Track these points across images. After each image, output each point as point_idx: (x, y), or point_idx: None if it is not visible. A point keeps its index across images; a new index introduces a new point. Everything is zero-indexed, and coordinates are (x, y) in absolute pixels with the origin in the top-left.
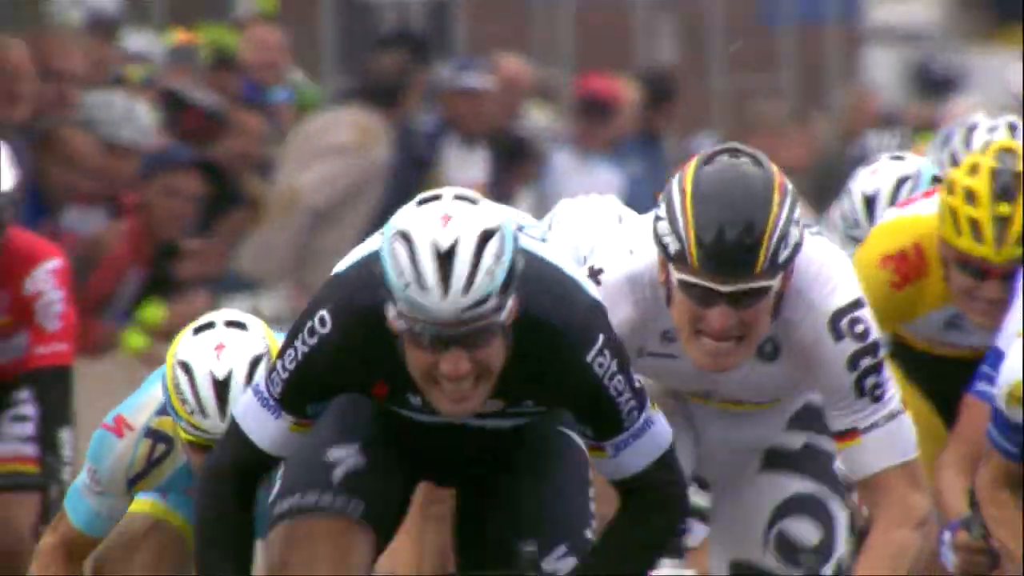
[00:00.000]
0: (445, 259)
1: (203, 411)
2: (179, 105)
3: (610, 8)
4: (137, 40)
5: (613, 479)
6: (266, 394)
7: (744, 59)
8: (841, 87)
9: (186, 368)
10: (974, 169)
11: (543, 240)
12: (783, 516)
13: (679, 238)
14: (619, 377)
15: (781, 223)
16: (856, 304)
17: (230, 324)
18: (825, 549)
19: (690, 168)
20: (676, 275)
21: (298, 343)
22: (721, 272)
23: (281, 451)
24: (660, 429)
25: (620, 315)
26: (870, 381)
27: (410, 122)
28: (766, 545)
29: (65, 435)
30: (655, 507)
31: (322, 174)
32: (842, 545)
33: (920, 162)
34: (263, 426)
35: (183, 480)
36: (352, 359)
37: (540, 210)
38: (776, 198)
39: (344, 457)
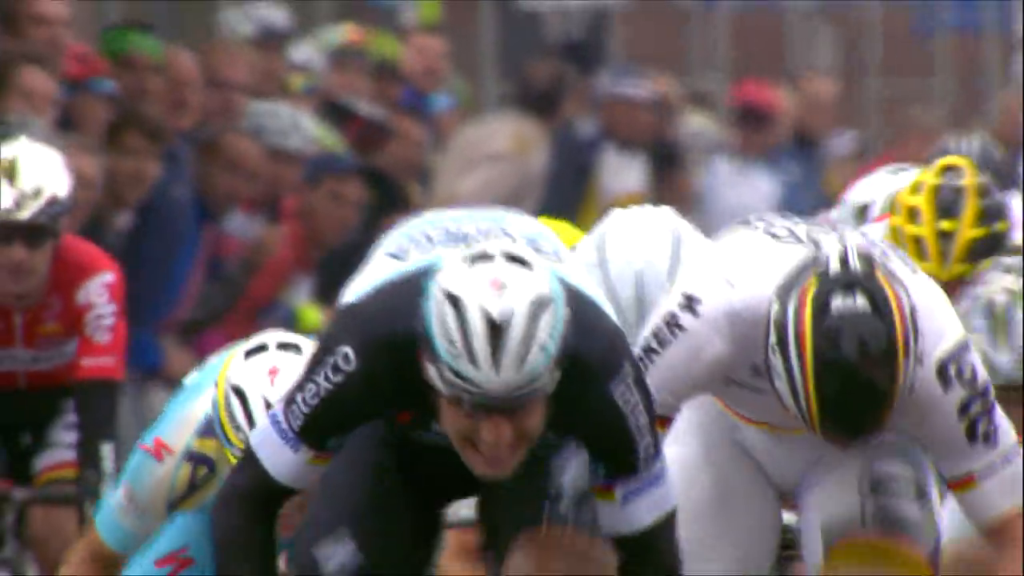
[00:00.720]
0: (498, 332)
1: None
2: (342, 115)
3: (766, 15)
4: (302, 50)
5: (617, 534)
6: (285, 426)
7: (899, 65)
8: (996, 95)
9: (239, 393)
10: (917, 188)
11: (557, 256)
12: (875, 460)
13: (799, 408)
14: (641, 411)
15: (905, 380)
16: (961, 347)
17: (283, 347)
18: (920, 487)
19: (806, 324)
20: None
21: (320, 379)
22: (842, 436)
23: (297, 483)
24: (671, 485)
25: (712, 350)
26: (982, 426)
27: (569, 129)
28: (863, 492)
29: (107, 449)
30: None
31: (481, 180)
32: (935, 494)
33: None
34: (280, 458)
35: None
36: (379, 393)
37: (698, 219)
38: (900, 356)
39: (332, 554)
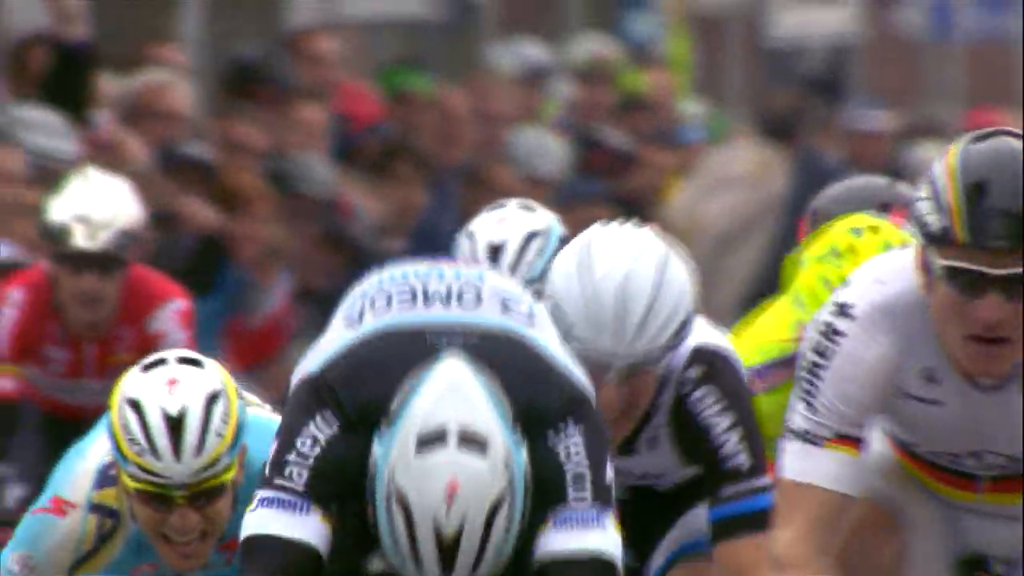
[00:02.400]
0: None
1: (155, 451)
2: (590, 144)
3: (1000, 44)
4: (555, 84)
5: (542, 562)
6: (281, 493)
7: None
8: None
9: (135, 405)
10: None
11: (530, 316)
12: None
13: (942, 208)
14: (584, 462)
15: None
16: None
17: (183, 360)
18: None
19: (956, 145)
20: (939, 262)
21: (313, 430)
22: (991, 243)
23: (316, 540)
24: (611, 539)
25: (877, 348)
26: None
27: (812, 157)
28: None
29: None
30: None
31: (723, 203)
32: None
33: None
34: (290, 521)
35: (130, 558)
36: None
37: None
38: None
39: None
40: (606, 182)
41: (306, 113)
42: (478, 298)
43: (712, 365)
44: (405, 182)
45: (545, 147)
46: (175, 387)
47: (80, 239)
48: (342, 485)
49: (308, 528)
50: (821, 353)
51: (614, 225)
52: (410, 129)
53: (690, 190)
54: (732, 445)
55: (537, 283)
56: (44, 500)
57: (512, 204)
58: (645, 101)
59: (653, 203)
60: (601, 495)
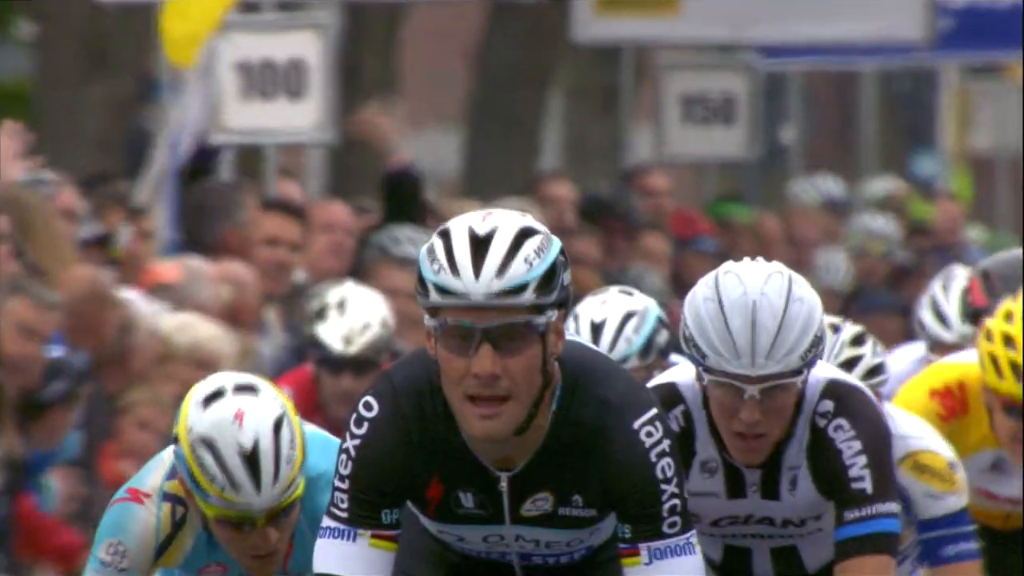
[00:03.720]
0: (482, 245)
1: (234, 485)
2: (901, 274)
3: None
4: (879, 221)
5: None
6: (334, 523)
7: None
8: None
9: (208, 444)
10: (1009, 316)
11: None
12: None
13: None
14: (669, 462)
15: None
16: None
17: (239, 389)
18: None
19: None
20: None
21: (348, 443)
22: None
23: (368, 569)
24: (699, 564)
25: None
26: None
27: None
28: None
29: None
30: None
31: None
32: None
33: None
34: (344, 558)
35: (202, 554)
36: (406, 440)
37: None
38: None
39: None
40: (893, 293)
41: (650, 241)
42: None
43: (845, 397)
44: None
45: (839, 266)
46: (243, 421)
47: (339, 345)
48: (395, 469)
49: (356, 558)
50: None
51: (743, 262)
52: (732, 249)
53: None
54: (857, 469)
55: (635, 358)
56: (121, 492)
57: (613, 289)
58: (930, 227)
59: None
60: (684, 506)
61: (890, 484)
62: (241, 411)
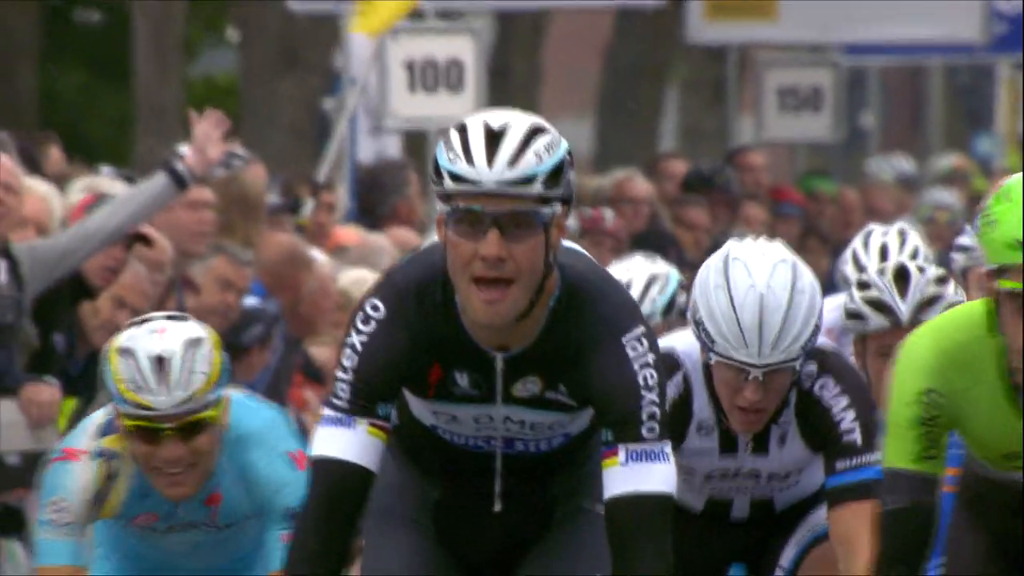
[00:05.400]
0: (496, 138)
1: (144, 385)
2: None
3: None
4: (943, 194)
5: (616, 499)
6: (333, 412)
7: None
8: None
9: (128, 350)
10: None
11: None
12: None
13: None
14: (651, 372)
15: None
16: None
17: (171, 318)
18: None
19: None
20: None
21: (353, 339)
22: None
23: (365, 460)
24: (672, 473)
25: None
26: None
27: None
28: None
29: None
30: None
31: None
32: None
33: None
34: (341, 440)
35: (135, 505)
36: (407, 334)
37: None
38: None
39: None
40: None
41: (749, 210)
42: None
43: (826, 359)
44: (813, 252)
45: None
46: (163, 334)
47: None
48: (398, 363)
49: (354, 445)
50: None
51: (747, 242)
52: (819, 216)
53: None
54: (848, 423)
55: (659, 317)
56: (58, 450)
57: (638, 255)
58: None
59: None
60: (662, 414)
61: (875, 435)
62: (164, 328)
